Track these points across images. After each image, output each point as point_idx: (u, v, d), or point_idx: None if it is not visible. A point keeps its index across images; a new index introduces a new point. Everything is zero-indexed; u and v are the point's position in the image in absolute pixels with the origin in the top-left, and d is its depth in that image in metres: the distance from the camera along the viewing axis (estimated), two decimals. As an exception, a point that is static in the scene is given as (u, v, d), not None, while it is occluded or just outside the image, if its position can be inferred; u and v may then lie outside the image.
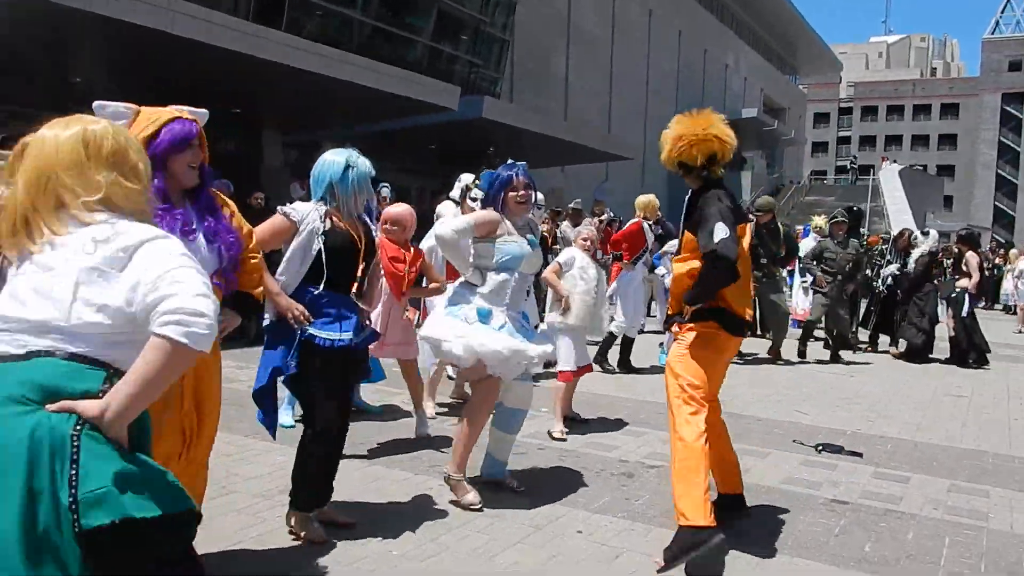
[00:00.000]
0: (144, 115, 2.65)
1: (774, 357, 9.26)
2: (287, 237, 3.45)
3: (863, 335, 11.07)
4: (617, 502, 4.18)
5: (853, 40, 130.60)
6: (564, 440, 5.28)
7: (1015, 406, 7.36)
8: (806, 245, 11.57)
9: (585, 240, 5.77)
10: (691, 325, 3.52)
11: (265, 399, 3.46)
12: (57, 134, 1.71)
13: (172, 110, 2.69)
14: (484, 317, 3.88)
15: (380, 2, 16.84)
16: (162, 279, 1.55)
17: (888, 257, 10.87)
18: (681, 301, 3.58)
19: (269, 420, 3.51)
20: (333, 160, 3.50)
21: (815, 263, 9.72)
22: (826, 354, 9.80)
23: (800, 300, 11.21)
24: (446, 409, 6.02)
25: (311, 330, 3.34)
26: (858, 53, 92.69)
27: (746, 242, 3.57)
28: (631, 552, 3.52)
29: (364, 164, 3.56)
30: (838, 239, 9.65)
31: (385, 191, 8.18)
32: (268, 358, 3.40)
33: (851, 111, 78.96)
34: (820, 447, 5.34)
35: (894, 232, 11.96)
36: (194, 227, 2.69)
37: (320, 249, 3.39)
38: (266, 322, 3.50)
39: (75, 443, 1.43)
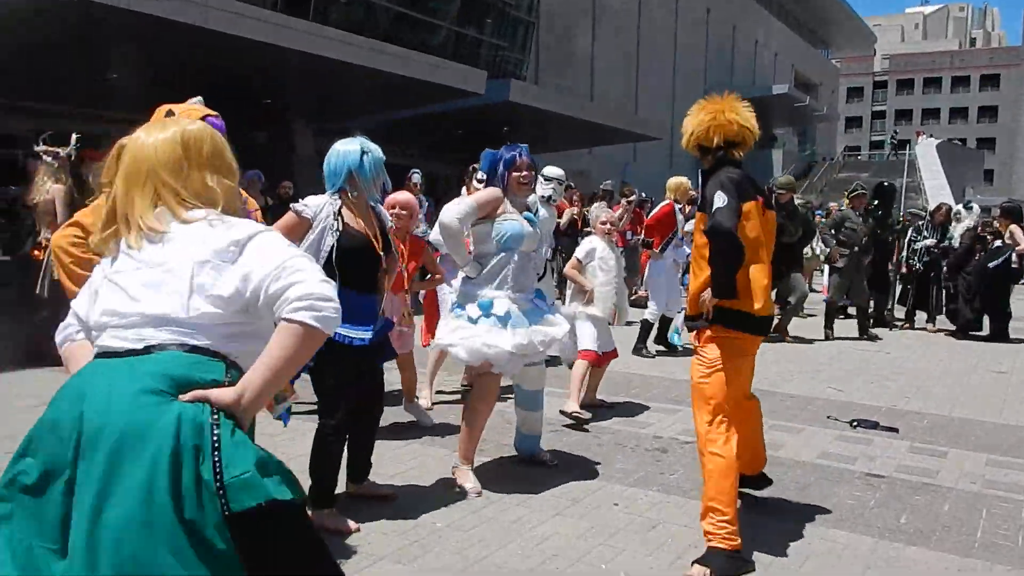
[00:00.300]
0: (178, 110, 2.68)
1: (781, 335, 8.95)
2: (301, 233, 3.44)
3: (899, 312, 10.95)
4: (652, 476, 4.24)
5: (888, 11, 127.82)
6: (585, 419, 5.14)
7: (1055, 380, 7.27)
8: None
9: (604, 224, 5.64)
10: (710, 335, 3.32)
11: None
12: (155, 136, 1.77)
13: (201, 109, 2.70)
14: (487, 308, 3.86)
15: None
16: (283, 268, 1.59)
17: (924, 233, 10.70)
18: (698, 302, 3.36)
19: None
20: (347, 149, 3.52)
21: (833, 232, 9.68)
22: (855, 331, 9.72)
23: (828, 276, 11.14)
24: (457, 396, 5.92)
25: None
26: (893, 25, 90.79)
27: (761, 225, 3.33)
28: (667, 523, 3.58)
29: (377, 149, 3.60)
30: (859, 212, 9.59)
31: (416, 177, 8.13)
32: None
33: (886, 85, 77.43)
34: (855, 423, 5.35)
35: (931, 207, 11.76)
36: None
37: (333, 247, 3.40)
38: None
39: (215, 431, 1.49)
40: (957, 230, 10.05)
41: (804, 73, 46.87)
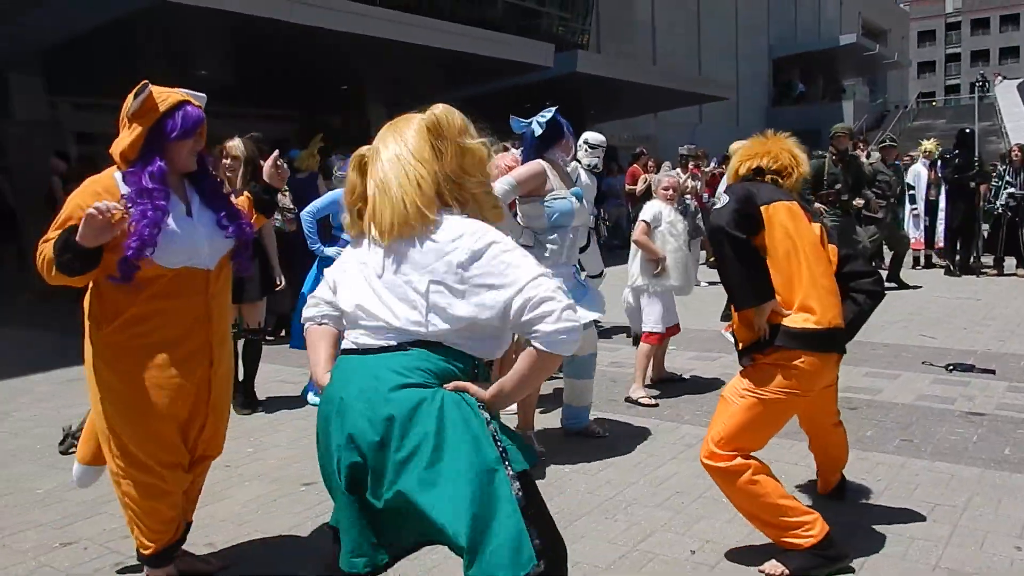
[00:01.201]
0: (155, 92, 2.54)
1: (899, 286, 9.28)
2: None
3: (987, 259, 10.87)
4: (758, 422, 4.52)
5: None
6: (654, 405, 4.93)
7: None
8: (915, 172, 11.38)
9: (667, 189, 5.43)
10: (762, 359, 2.83)
11: None
12: (408, 139, 1.86)
13: (180, 93, 2.61)
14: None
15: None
16: (529, 300, 1.69)
17: (1008, 177, 10.55)
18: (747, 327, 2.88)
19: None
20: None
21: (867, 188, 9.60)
22: (938, 281, 9.73)
23: (912, 230, 11.08)
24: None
25: None
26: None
27: (816, 232, 2.92)
28: (779, 462, 3.83)
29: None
30: (890, 163, 9.63)
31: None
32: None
33: (959, 26, 74.06)
34: (951, 367, 5.51)
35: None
36: (192, 211, 2.64)
37: None
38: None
39: (482, 411, 1.78)
40: None
41: (871, 20, 45.26)
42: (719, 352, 6.26)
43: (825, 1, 39.90)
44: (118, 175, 2.54)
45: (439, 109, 1.87)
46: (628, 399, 5.03)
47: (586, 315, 3.83)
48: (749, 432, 2.84)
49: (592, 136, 5.52)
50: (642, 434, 4.36)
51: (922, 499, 3.39)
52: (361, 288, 1.85)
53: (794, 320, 2.77)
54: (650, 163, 12.17)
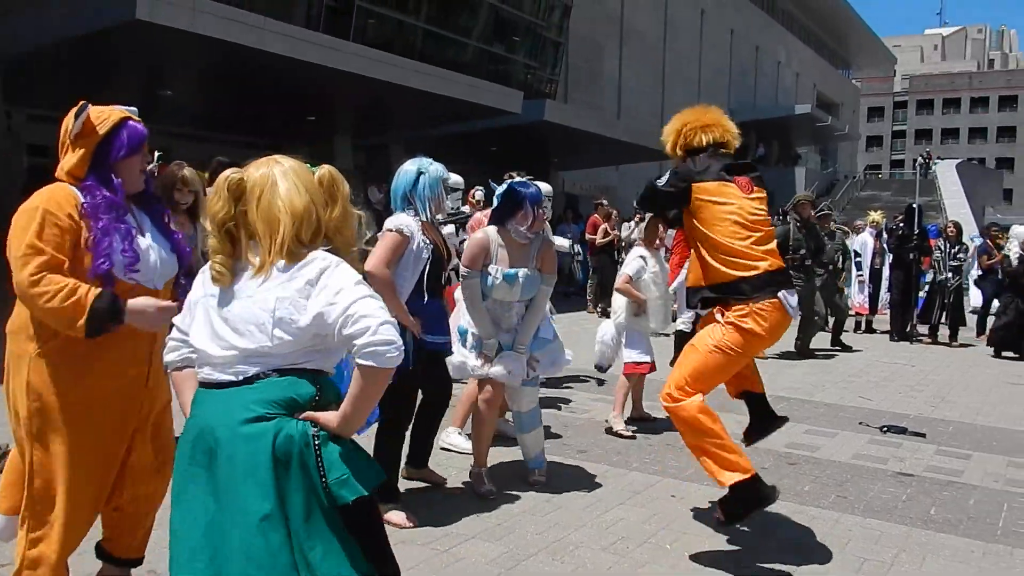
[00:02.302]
0: (94, 112, 2.52)
1: (800, 353, 9.29)
2: (403, 250, 3.71)
3: (922, 328, 11.34)
4: (702, 473, 4.59)
5: (907, 32, 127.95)
6: (631, 437, 5.32)
7: (1074, 395, 7.65)
8: (862, 240, 11.90)
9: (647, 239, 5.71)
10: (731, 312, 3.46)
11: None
12: (293, 178, 1.95)
13: (120, 110, 2.57)
14: (463, 335, 4.22)
15: (438, 7, 17.45)
16: (350, 315, 1.81)
17: (951, 249, 11.09)
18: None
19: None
20: (407, 170, 3.82)
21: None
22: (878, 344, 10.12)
23: (857, 295, 11.54)
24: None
25: (423, 336, 3.78)
26: (912, 46, 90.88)
27: (751, 201, 3.54)
28: (721, 512, 4.02)
29: (436, 170, 3.86)
30: (825, 231, 9.97)
31: (479, 194, 7.91)
32: None
33: (906, 105, 77.60)
34: (885, 428, 5.78)
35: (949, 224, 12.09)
36: (145, 231, 2.60)
37: (428, 260, 3.80)
38: None
39: (316, 443, 1.87)
40: (1012, 251, 10.06)
41: (826, 93, 47.21)
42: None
43: (783, 71, 41.52)
44: (71, 188, 2.46)
45: (332, 169, 2.03)
46: (608, 430, 5.41)
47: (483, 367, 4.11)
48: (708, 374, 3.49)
49: (454, 179, 5.51)
50: (591, 479, 4.47)
51: (853, 553, 3.56)
52: (208, 323, 1.94)
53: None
54: (614, 214, 12.47)
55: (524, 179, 4.42)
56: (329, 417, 1.87)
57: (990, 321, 10.75)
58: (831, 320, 10.16)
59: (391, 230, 3.75)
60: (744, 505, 3.43)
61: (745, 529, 3.77)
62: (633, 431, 5.43)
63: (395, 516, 3.72)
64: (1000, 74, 79.60)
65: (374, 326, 1.80)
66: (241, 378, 1.87)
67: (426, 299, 3.83)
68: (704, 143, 3.65)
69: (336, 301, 1.83)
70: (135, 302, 2.38)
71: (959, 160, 49.94)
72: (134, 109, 2.64)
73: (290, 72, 11.70)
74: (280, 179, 1.92)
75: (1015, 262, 9.95)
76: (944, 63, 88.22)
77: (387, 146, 17.82)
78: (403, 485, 4.15)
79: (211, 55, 11.06)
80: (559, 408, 6.14)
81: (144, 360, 2.58)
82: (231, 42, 10.30)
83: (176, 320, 2.08)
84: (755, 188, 3.59)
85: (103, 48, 10.76)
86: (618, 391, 5.58)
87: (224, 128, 14.82)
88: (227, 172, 1.94)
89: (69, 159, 2.49)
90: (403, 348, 1.86)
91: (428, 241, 3.82)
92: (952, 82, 75.76)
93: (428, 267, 3.80)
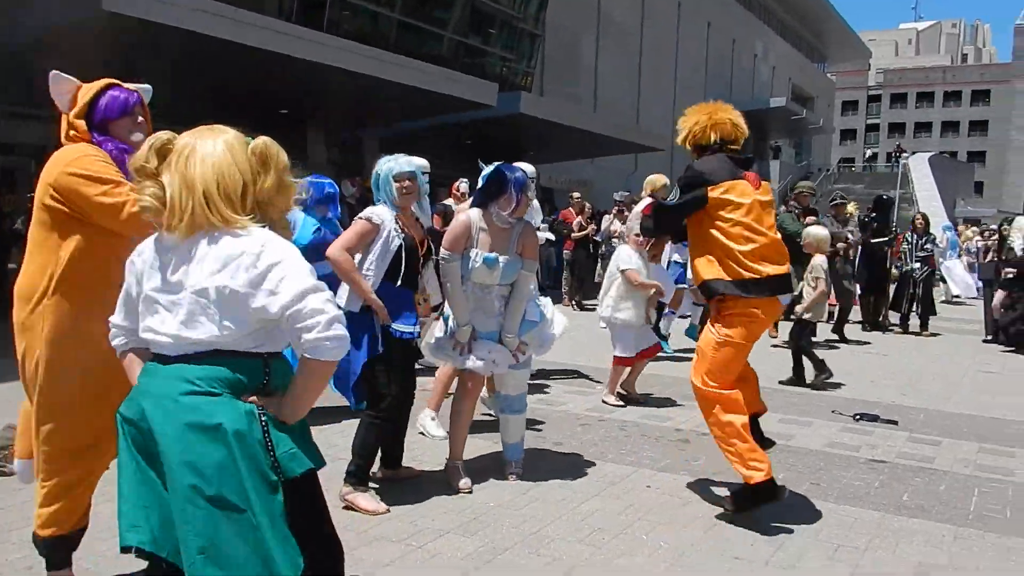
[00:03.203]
0: (83, 89, 2.72)
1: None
2: (371, 238, 3.82)
3: (894, 317, 11.47)
4: (678, 463, 4.69)
5: (882, 27, 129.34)
6: (621, 405, 6.02)
7: (1043, 382, 7.78)
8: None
9: (639, 236, 5.95)
10: (725, 307, 3.69)
11: (357, 384, 3.89)
12: (221, 143, 1.96)
13: (106, 80, 2.75)
14: (446, 319, 4.27)
15: (414, 0, 17.33)
16: (299, 309, 1.81)
17: (919, 240, 11.22)
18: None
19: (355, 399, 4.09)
20: (377, 164, 3.99)
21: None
22: (861, 335, 10.21)
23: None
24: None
25: (392, 323, 3.81)
26: (887, 40, 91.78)
27: (763, 197, 3.72)
28: (697, 502, 4.03)
29: (397, 164, 3.93)
30: (840, 219, 10.04)
31: (464, 186, 8.02)
32: (354, 349, 3.74)
33: (880, 99, 78.35)
34: (858, 416, 5.83)
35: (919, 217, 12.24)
36: None
37: (400, 247, 3.83)
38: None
39: (263, 420, 1.90)
40: (1016, 241, 9.86)
41: (801, 86, 47.55)
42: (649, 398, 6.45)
43: (759, 64, 41.72)
44: (89, 147, 2.63)
45: (268, 140, 2.01)
46: (604, 401, 6.08)
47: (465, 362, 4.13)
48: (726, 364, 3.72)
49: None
50: (567, 471, 4.46)
51: (827, 540, 3.58)
52: (150, 303, 1.94)
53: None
54: (587, 207, 12.46)
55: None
56: (274, 403, 1.91)
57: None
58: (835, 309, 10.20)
59: (362, 218, 3.86)
60: (755, 501, 3.68)
61: (720, 519, 3.78)
62: (620, 404, 6.06)
63: (366, 501, 3.75)
64: (974, 68, 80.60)
65: (323, 322, 1.82)
66: (192, 352, 1.88)
67: (397, 287, 3.84)
68: (713, 140, 3.78)
69: (279, 291, 1.83)
70: None
71: (931, 153, 50.59)
72: (148, 87, 2.87)
73: (262, 64, 11.56)
74: (207, 145, 1.94)
75: (1020, 253, 9.72)
76: (918, 57, 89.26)
77: (361, 140, 17.69)
78: (376, 481, 4.13)
79: (180, 46, 10.88)
80: (535, 400, 6.12)
81: None
82: (201, 33, 10.14)
83: (113, 318, 2.09)
84: (762, 182, 3.76)
85: (71, 41, 10.55)
86: (613, 377, 6.14)
87: (194, 120, 14.27)
88: (159, 133, 1.98)
89: (66, 129, 2.70)
90: (348, 341, 1.88)
91: (400, 231, 3.85)
92: (926, 76, 76.59)
93: (401, 257, 3.82)
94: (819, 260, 7.49)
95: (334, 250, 3.77)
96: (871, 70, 78.09)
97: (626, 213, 10.56)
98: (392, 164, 3.97)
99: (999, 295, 10.22)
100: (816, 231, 7.87)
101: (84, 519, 2.79)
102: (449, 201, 6.77)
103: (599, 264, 11.31)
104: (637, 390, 6.29)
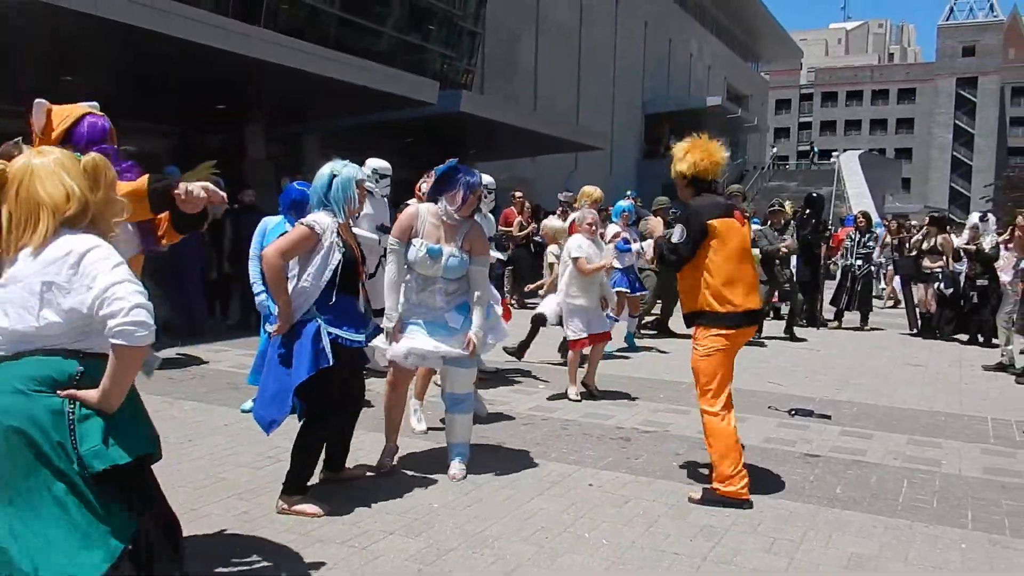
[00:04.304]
0: (56, 111, 2.83)
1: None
2: (310, 247, 3.76)
3: (828, 312, 11.81)
4: (620, 461, 4.75)
5: (813, 27, 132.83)
6: (578, 400, 6.15)
7: (965, 373, 8.10)
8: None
9: (591, 225, 6.36)
10: (703, 331, 4.09)
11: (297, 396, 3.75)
12: (46, 162, 2.14)
13: (83, 106, 2.89)
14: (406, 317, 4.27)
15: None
16: (106, 298, 1.99)
17: (860, 238, 11.56)
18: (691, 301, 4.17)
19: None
20: (321, 173, 3.90)
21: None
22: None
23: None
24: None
25: (336, 331, 3.76)
26: (818, 39, 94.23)
27: (744, 233, 4.17)
28: (637, 499, 4.09)
29: (349, 172, 3.90)
30: (777, 227, 10.23)
31: (425, 186, 8.10)
32: (301, 359, 3.65)
33: (812, 97, 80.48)
34: (793, 411, 5.98)
35: (854, 213, 12.64)
36: None
37: (340, 260, 3.78)
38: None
39: (71, 418, 2.06)
40: (986, 242, 9.75)
41: (736, 86, 48.47)
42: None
43: (695, 64, 42.41)
44: None
45: (100, 156, 2.22)
46: (565, 396, 6.23)
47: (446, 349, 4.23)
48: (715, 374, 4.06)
49: (485, 178, 5.71)
50: (510, 470, 4.47)
51: (764, 533, 3.67)
52: None
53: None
54: (526, 206, 12.48)
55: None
56: (89, 394, 2.05)
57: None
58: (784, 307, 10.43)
59: (304, 224, 3.81)
60: (723, 505, 3.99)
61: (660, 516, 3.84)
62: (578, 399, 6.19)
63: (305, 507, 3.76)
64: (899, 67, 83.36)
65: (126, 308, 1.99)
66: (12, 352, 2.05)
67: (334, 297, 3.79)
68: (710, 179, 4.22)
69: (93, 285, 2.00)
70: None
71: (861, 151, 52.18)
72: (95, 104, 2.97)
73: (198, 59, 11.27)
74: (41, 168, 2.10)
75: (988, 248, 9.65)
76: (847, 56, 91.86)
77: (301, 136, 17.41)
78: (321, 483, 4.07)
79: (115, 39, 10.56)
80: (477, 400, 6.12)
81: None
82: (135, 26, 9.86)
83: None
84: (744, 219, 4.23)
85: (1, 32, 10.14)
86: (570, 364, 6.32)
87: (131, 115, 14.10)
88: None
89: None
90: (152, 328, 2.04)
91: (342, 243, 3.82)
92: (855, 75, 78.95)
93: (340, 266, 3.78)
94: (553, 248, 8.38)
95: (269, 251, 3.76)
96: (803, 69, 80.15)
97: (569, 213, 10.64)
98: (352, 170, 3.93)
99: (920, 289, 10.65)
100: (552, 223, 8.48)
101: None
102: (412, 201, 6.74)
103: (540, 263, 11.36)
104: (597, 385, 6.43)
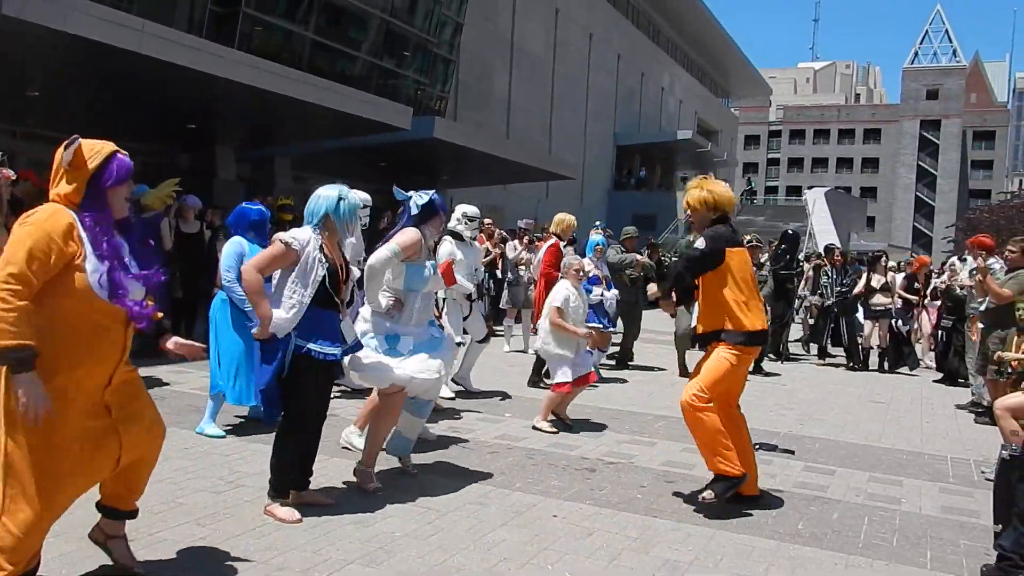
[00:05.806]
0: (86, 146, 2.87)
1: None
2: (287, 263, 3.92)
3: (795, 347, 11.95)
4: (584, 492, 4.72)
5: (782, 65, 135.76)
6: (554, 432, 6.07)
7: (926, 410, 8.22)
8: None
9: (578, 272, 6.35)
10: (725, 347, 4.49)
11: (272, 396, 3.96)
12: None
13: (110, 145, 2.94)
14: (393, 342, 4.51)
15: (328, 18, 17.15)
16: None
17: (838, 276, 11.71)
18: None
19: (268, 413, 4.11)
20: (328, 195, 4.06)
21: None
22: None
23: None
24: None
25: (310, 344, 3.89)
26: (787, 78, 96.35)
27: (743, 263, 4.57)
28: (601, 531, 4.06)
29: (355, 197, 4.17)
30: (755, 262, 10.34)
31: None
32: (264, 369, 3.89)
33: (780, 134, 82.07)
34: (757, 446, 5.96)
35: (819, 250, 12.86)
36: (127, 258, 2.91)
37: (324, 276, 3.90)
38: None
39: None
40: (963, 276, 9.78)
41: (706, 120, 49.31)
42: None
43: (667, 98, 43.08)
44: (73, 214, 2.77)
45: None
46: (534, 427, 6.12)
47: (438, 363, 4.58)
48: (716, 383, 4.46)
49: (470, 208, 6.61)
50: (474, 500, 4.43)
51: (726, 568, 3.66)
52: None
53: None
54: (495, 232, 12.51)
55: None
56: None
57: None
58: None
59: (282, 241, 3.93)
60: (727, 487, 4.39)
61: (623, 550, 3.82)
62: (554, 431, 6.09)
63: (282, 511, 3.93)
64: (865, 108, 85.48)
65: None
66: None
67: (316, 310, 3.93)
68: (727, 211, 4.68)
69: None
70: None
71: (828, 188, 53.10)
72: (124, 153, 3.01)
73: (169, 77, 11.20)
74: None
75: (959, 286, 9.71)
76: (815, 95, 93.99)
77: (272, 158, 17.35)
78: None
79: (84, 56, 10.46)
80: (444, 428, 6.08)
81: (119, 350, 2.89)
82: (106, 44, 9.77)
83: None
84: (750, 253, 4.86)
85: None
86: (548, 401, 6.20)
87: (99, 133, 13.87)
88: None
89: (63, 187, 2.82)
90: None
91: (324, 258, 3.94)
92: (822, 114, 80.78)
93: (322, 281, 3.91)
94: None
95: (247, 268, 3.91)
96: (772, 107, 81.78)
97: (528, 239, 10.81)
98: (354, 196, 4.17)
99: (869, 325, 10.89)
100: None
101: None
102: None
103: (505, 291, 11.35)
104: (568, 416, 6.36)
